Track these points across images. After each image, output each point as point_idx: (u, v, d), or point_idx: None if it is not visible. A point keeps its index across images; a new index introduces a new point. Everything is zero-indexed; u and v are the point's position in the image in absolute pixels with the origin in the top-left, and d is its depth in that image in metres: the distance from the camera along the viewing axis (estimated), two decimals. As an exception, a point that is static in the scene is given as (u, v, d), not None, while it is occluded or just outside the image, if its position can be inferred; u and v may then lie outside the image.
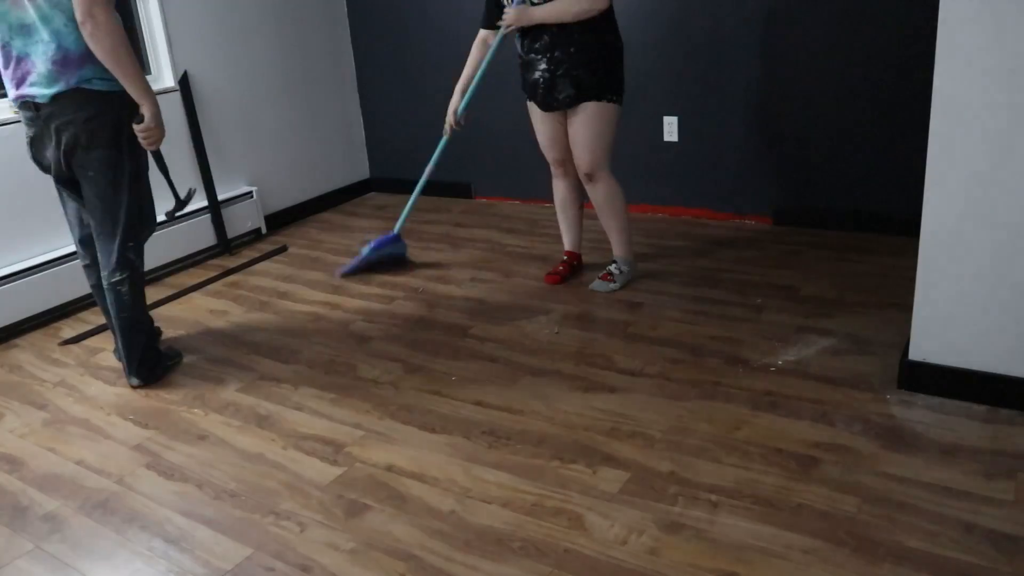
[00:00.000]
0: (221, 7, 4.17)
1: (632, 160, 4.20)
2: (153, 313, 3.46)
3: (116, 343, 2.85)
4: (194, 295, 3.67)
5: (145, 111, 2.54)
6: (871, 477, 2.02)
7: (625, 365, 2.70)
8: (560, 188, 3.38)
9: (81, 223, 2.77)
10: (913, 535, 1.82)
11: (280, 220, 4.57)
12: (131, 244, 2.68)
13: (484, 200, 4.80)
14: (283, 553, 1.94)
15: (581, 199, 3.40)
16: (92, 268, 2.82)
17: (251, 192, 4.31)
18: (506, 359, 2.81)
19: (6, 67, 2.50)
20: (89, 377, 2.95)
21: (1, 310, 3.28)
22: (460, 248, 4.00)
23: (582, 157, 3.10)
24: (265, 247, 4.24)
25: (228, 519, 2.09)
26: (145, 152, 2.68)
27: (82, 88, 2.46)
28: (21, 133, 3.41)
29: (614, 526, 1.93)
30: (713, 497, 2.00)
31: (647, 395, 2.50)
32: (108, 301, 2.72)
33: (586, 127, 3.05)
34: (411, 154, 5.00)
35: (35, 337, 3.33)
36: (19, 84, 2.48)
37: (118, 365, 3.00)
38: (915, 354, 2.37)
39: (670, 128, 4.04)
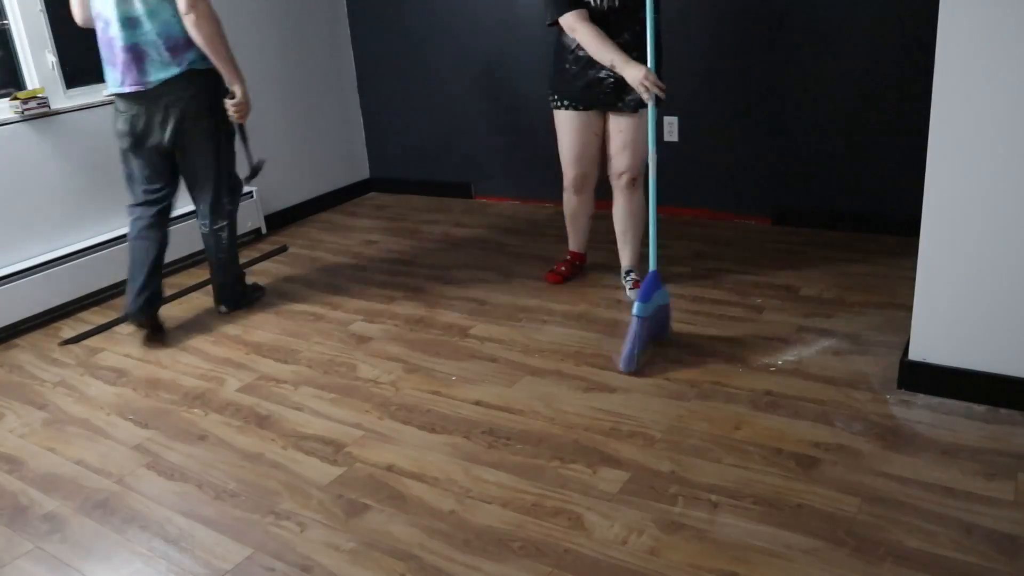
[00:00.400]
0: (221, 7, 4.15)
1: (632, 160, 4.20)
2: (153, 313, 3.49)
3: (213, 278, 3.38)
4: (194, 295, 3.67)
5: (237, 88, 2.97)
6: (871, 477, 2.02)
7: (625, 365, 2.70)
8: (574, 203, 3.30)
9: (147, 189, 3.12)
10: (913, 535, 1.82)
11: (280, 220, 4.57)
12: (227, 199, 3.19)
13: (484, 200, 4.80)
14: (283, 553, 1.94)
15: (592, 210, 3.37)
16: (150, 228, 3.14)
17: (251, 192, 4.31)
18: (506, 359, 2.81)
19: (111, 60, 2.88)
20: (89, 377, 2.95)
21: (1, 310, 3.28)
22: (460, 248, 4.00)
23: (631, 162, 3.03)
24: (265, 247, 4.24)
25: (228, 519, 2.09)
26: (231, 123, 3.09)
27: (191, 69, 2.88)
28: (21, 133, 3.39)
29: (614, 526, 1.93)
30: (713, 497, 2.00)
31: (647, 395, 2.50)
32: (208, 245, 3.26)
33: (639, 131, 2.98)
34: (411, 154, 5.01)
35: (35, 337, 3.33)
36: (129, 73, 2.85)
37: (118, 365, 3.01)
38: (915, 354, 2.37)
39: (670, 128, 4.03)
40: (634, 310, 2.64)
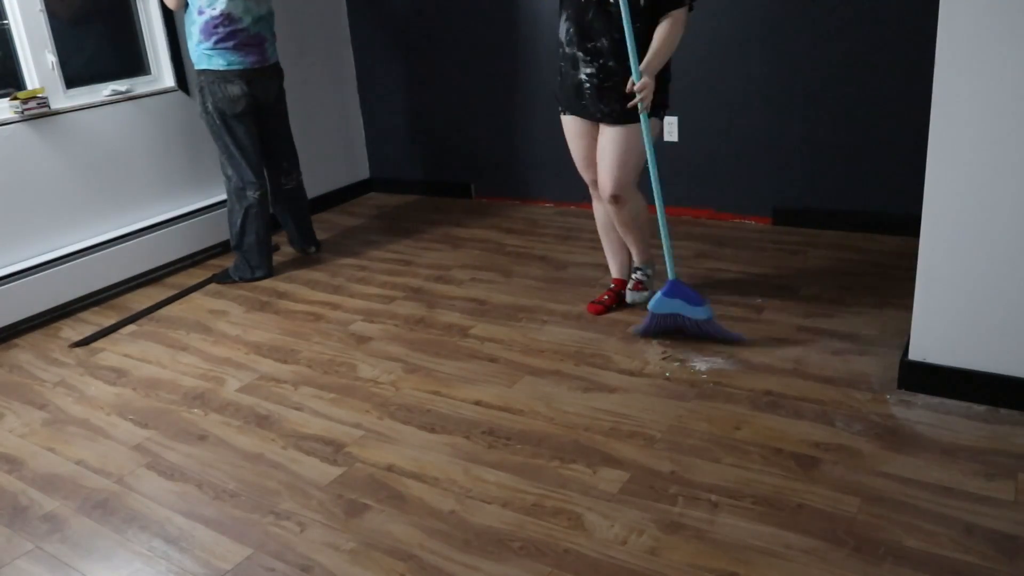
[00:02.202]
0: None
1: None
2: (154, 314, 3.48)
3: (292, 230, 4.03)
4: (194, 295, 3.67)
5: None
6: (871, 477, 2.02)
7: (625, 365, 2.69)
8: (601, 211, 3.06)
9: (258, 156, 3.69)
10: (913, 535, 1.82)
11: (277, 221, 4.56)
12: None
13: (484, 200, 4.80)
14: (283, 553, 1.94)
15: None
16: (263, 194, 3.71)
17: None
18: (506, 359, 2.81)
19: (240, 47, 3.49)
20: (89, 377, 2.95)
21: (1, 310, 3.28)
22: (460, 248, 4.00)
23: (611, 179, 2.80)
24: (265, 247, 4.24)
25: (228, 519, 2.09)
26: None
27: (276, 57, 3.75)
28: (21, 133, 3.42)
29: (614, 526, 1.93)
30: (713, 497, 2.00)
31: (647, 395, 2.50)
32: (298, 196, 3.95)
33: (623, 144, 2.75)
34: (411, 154, 5.01)
35: (35, 337, 3.33)
36: (255, 54, 3.55)
37: (118, 365, 3.01)
38: (915, 354, 2.37)
39: (670, 128, 4.03)
40: (699, 315, 2.71)
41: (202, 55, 3.48)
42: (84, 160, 3.62)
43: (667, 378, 2.59)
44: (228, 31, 3.45)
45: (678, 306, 2.75)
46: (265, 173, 3.77)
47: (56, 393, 2.85)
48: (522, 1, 4.27)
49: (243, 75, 3.52)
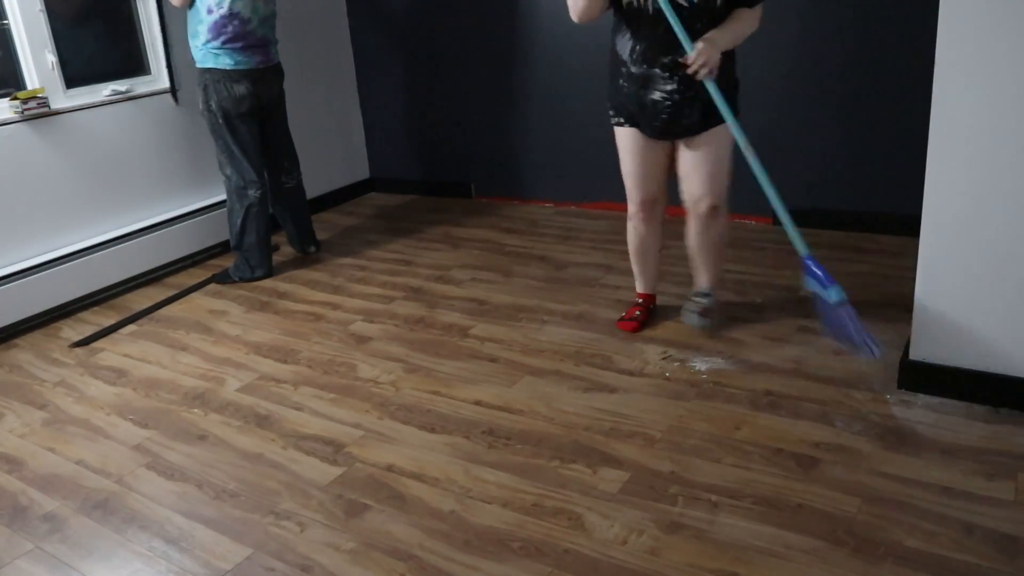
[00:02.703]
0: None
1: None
2: (154, 314, 3.48)
3: (292, 230, 4.03)
4: (194, 295, 3.67)
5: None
6: (871, 477, 2.02)
7: (625, 365, 2.69)
8: (642, 232, 2.85)
9: (259, 156, 3.70)
10: (913, 535, 1.82)
11: (277, 220, 4.56)
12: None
13: (484, 200, 4.80)
14: (283, 553, 1.94)
15: (662, 243, 2.95)
16: (263, 194, 3.71)
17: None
18: (506, 359, 2.81)
19: (247, 48, 3.51)
20: (89, 377, 2.95)
21: (1, 310, 3.28)
22: (460, 248, 4.00)
23: (710, 189, 2.60)
24: (265, 247, 4.24)
25: (228, 519, 2.09)
26: None
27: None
28: (21, 133, 3.42)
29: (614, 526, 1.93)
30: (713, 497, 2.00)
31: (647, 395, 2.50)
32: (298, 195, 3.95)
33: (714, 154, 2.56)
34: (411, 154, 5.01)
35: (35, 337, 3.33)
36: (261, 54, 3.58)
37: (118, 365, 3.01)
38: (915, 354, 2.37)
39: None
40: (831, 297, 2.34)
41: (208, 54, 3.48)
42: (84, 160, 3.62)
43: (667, 378, 2.59)
44: (237, 31, 3.47)
45: (814, 287, 2.43)
46: (265, 173, 3.78)
47: (56, 393, 2.85)
48: (522, 1, 4.26)
49: (248, 75, 3.54)
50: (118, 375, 2.94)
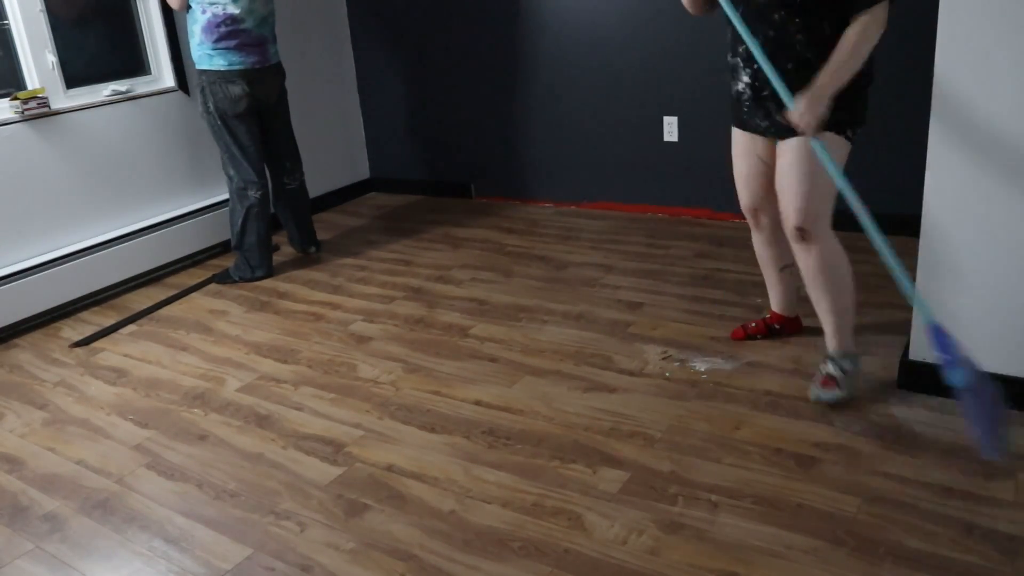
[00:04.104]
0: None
1: (632, 160, 4.21)
2: (154, 314, 3.48)
3: (293, 230, 4.04)
4: (194, 295, 3.67)
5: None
6: (871, 477, 2.02)
7: (625, 365, 2.69)
8: (756, 242, 2.66)
9: (259, 156, 3.69)
10: (913, 535, 1.82)
11: (279, 220, 4.56)
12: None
13: (484, 200, 4.80)
14: (283, 553, 1.94)
15: (783, 260, 2.61)
16: (264, 194, 3.72)
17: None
18: (506, 359, 2.81)
19: (242, 47, 3.49)
20: (89, 377, 2.95)
21: (1, 310, 3.28)
22: (460, 248, 4.00)
23: (794, 206, 2.25)
24: (265, 247, 4.24)
25: (228, 519, 2.09)
26: None
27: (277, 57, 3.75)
28: (21, 133, 3.42)
29: (614, 526, 1.93)
30: (713, 497, 2.00)
31: (647, 395, 2.50)
32: (299, 196, 3.95)
33: (803, 167, 2.21)
34: (411, 154, 5.01)
35: (35, 337, 3.33)
36: (257, 54, 3.55)
37: (118, 365, 3.01)
38: (915, 354, 2.37)
39: (670, 128, 4.04)
40: (955, 378, 1.81)
41: (204, 55, 3.48)
42: (84, 160, 3.62)
43: (667, 378, 2.59)
44: (231, 31, 3.46)
45: (943, 360, 1.86)
46: (267, 173, 3.77)
47: (56, 393, 2.85)
48: (523, 1, 4.27)
49: (244, 75, 3.52)
50: (118, 375, 2.94)
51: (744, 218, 2.63)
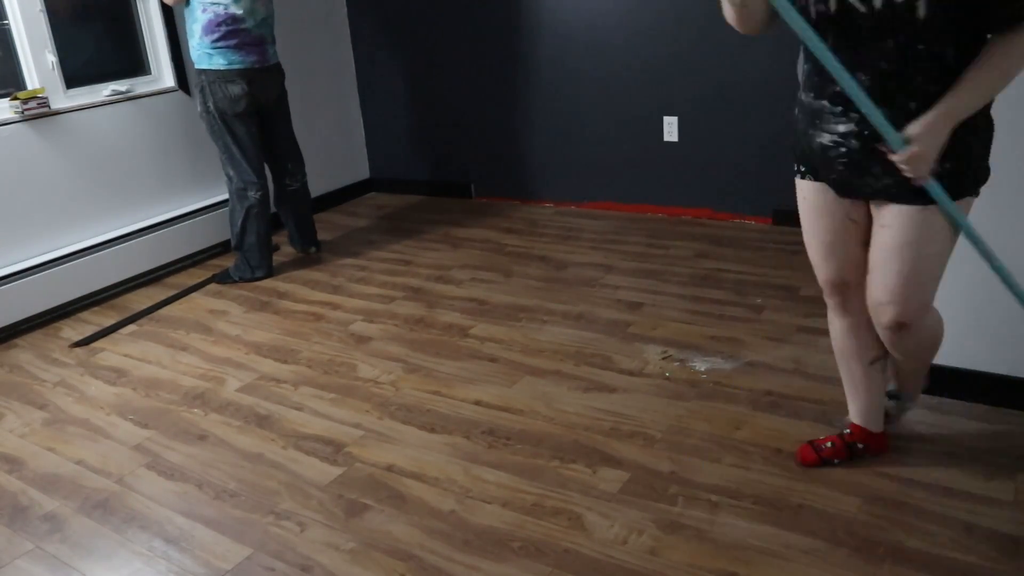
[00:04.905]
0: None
1: (632, 160, 4.21)
2: (154, 314, 3.48)
3: (294, 230, 4.06)
4: (194, 295, 3.67)
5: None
6: (871, 477, 2.02)
7: (625, 365, 2.69)
8: (837, 327, 2.02)
9: (259, 156, 3.68)
10: (913, 535, 1.82)
11: (279, 220, 4.56)
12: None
13: (484, 200, 4.80)
14: (283, 553, 1.94)
15: (872, 351, 1.98)
16: (264, 194, 3.71)
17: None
18: (506, 359, 2.81)
19: (242, 47, 3.49)
20: (89, 377, 2.95)
21: (1, 310, 3.28)
22: (460, 248, 4.00)
23: (896, 295, 1.74)
24: (265, 247, 4.24)
25: (228, 519, 2.09)
26: None
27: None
28: (21, 133, 3.42)
29: (614, 526, 1.93)
30: (713, 497, 2.00)
31: (647, 395, 2.50)
32: (301, 196, 3.96)
33: (916, 248, 1.69)
34: (411, 154, 5.01)
35: (35, 337, 3.33)
36: (256, 54, 3.55)
37: (118, 365, 3.01)
38: (915, 354, 2.36)
39: (670, 128, 4.04)
40: None
41: (203, 54, 3.48)
42: (84, 160, 3.62)
43: (667, 378, 2.59)
44: (230, 30, 3.46)
45: None
46: (266, 173, 3.76)
47: (56, 393, 2.85)
48: (523, 2, 4.27)
49: (244, 75, 3.52)
50: (118, 375, 2.94)
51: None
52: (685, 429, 2.30)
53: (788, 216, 3.87)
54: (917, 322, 1.80)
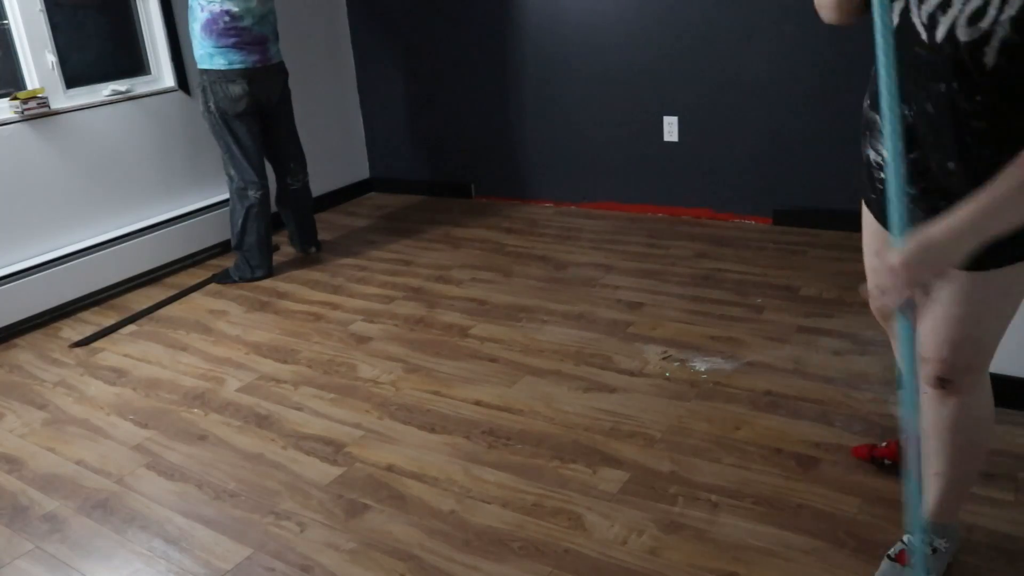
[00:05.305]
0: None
1: (632, 160, 4.21)
2: (154, 314, 3.48)
3: (294, 230, 4.05)
4: (194, 295, 3.67)
5: None
6: (871, 477, 2.02)
7: (625, 365, 2.69)
8: (887, 332, 1.91)
9: (260, 156, 3.69)
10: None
11: (280, 220, 4.56)
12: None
13: (484, 200, 4.80)
14: (283, 553, 1.94)
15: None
16: (264, 194, 3.71)
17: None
18: (506, 359, 2.81)
19: (242, 46, 3.48)
20: (89, 377, 2.95)
21: (1, 310, 3.28)
22: (460, 248, 4.00)
23: (942, 349, 1.51)
24: (265, 247, 4.24)
25: (228, 519, 2.09)
26: None
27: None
28: (21, 133, 3.41)
29: (614, 526, 1.93)
30: (713, 497, 2.00)
31: (647, 395, 2.50)
32: (302, 196, 3.97)
33: (966, 307, 1.45)
34: (411, 154, 5.01)
35: (35, 337, 3.33)
36: (258, 53, 3.54)
37: (118, 365, 3.01)
38: (915, 354, 2.36)
39: (670, 128, 4.04)
40: None
41: (205, 54, 3.48)
42: (84, 160, 3.62)
43: (667, 378, 2.59)
44: (229, 29, 3.45)
45: None
46: (267, 173, 3.76)
47: (56, 393, 2.85)
48: (522, 1, 4.27)
49: (245, 74, 3.51)
50: (118, 375, 2.94)
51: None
52: (685, 429, 2.30)
53: (788, 216, 3.88)
54: (960, 382, 1.55)
